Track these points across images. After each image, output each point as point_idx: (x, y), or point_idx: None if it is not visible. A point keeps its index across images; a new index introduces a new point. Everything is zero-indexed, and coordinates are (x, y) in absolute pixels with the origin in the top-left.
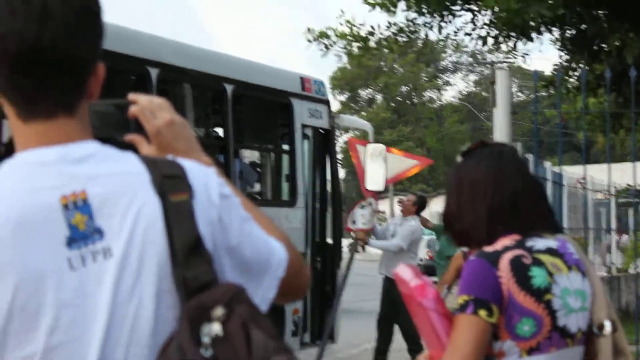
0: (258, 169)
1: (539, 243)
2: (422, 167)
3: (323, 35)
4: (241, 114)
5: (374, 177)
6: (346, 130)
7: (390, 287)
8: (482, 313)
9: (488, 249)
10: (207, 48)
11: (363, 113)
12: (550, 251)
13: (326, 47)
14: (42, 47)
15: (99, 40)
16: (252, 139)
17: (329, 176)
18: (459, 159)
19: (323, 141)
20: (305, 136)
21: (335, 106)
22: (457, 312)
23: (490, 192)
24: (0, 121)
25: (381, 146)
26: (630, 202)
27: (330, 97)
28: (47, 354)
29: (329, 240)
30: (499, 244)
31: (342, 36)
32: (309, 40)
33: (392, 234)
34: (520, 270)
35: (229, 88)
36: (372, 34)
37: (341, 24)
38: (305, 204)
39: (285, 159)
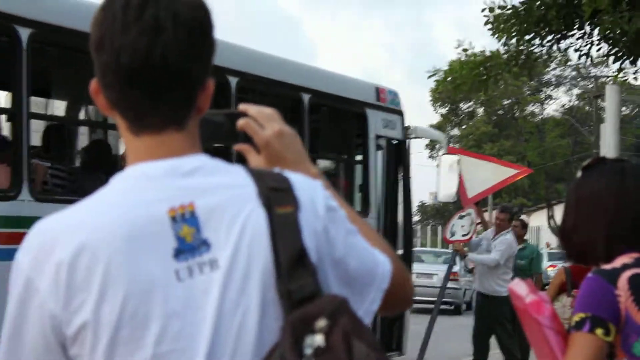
0: (332, 179)
1: None
2: (522, 176)
3: (448, 74)
4: (317, 124)
5: (447, 188)
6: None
7: (484, 302)
8: (599, 331)
9: (606, 266)
10: (288, 58)
11: (463, 127)
12: None
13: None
14: (153, 62)
15: (209, 56)
16: (326, 149)
17: (401, 187)
18: (578, 174)
19: (396, 152)
20: (379, 147)
21: (435, 119)
22: (573, 329)
23: (611, 209)
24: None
25: (455, 157)
26: None
27: (430, 110)
28: None
29: (400, 251)
30: (618, 262)
31: (460, 67)
32: (432, 74)
33: (487, 248)
34: (638, 289)
35: (306, 97)
36: (490, 58)
37: (458, 54)
38: (378, 215)
39: (359, 169)
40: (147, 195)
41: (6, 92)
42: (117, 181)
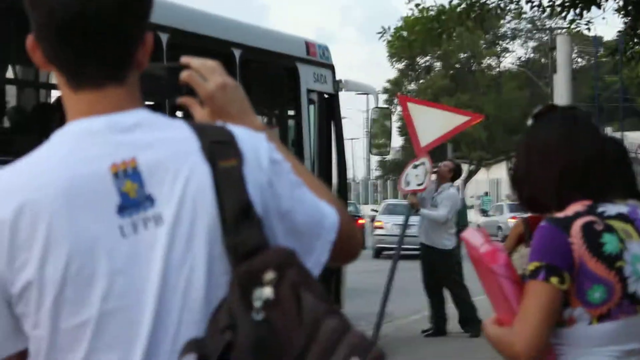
0: None
1: (611, 209)
2: (474, 122)
3: (399, 30)
4: (249, 79)
5: (380, 141)
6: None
7: (431, 256)
8: (554, 280)
9: (559, 215)
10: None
11: (421, 81)
12: (621, 217)
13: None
14: (88, 16)
15: (147, 10)
16: (259, 104)
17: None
18: (529, 122)
19: (328, 105)
20: (310, 101)
21: (392, 74)
22: (528, 278)
23: (562, 157)
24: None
25: (386, 110)
26: None
27: (388, 65)
28: (101, 320)
29: None
30: (570, 210)
31: (414, 23)
32: (382, 33)
33: (431, 202)
34: (592, 237)
35: (237, 53)
36: (443, 12)
37: (410, 9)
38: (312, 169)
39: (292, 123)
40: (87, 151)
41: None
42: (57, 137)
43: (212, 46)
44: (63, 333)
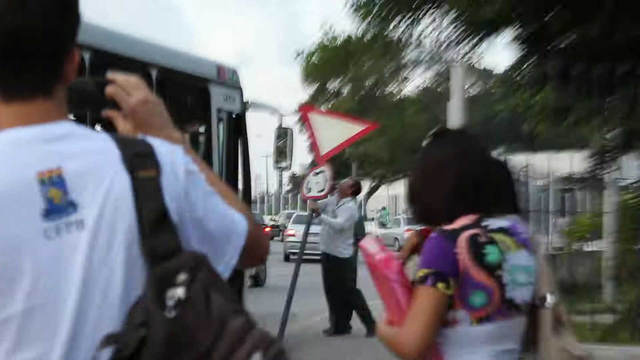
0: None
1: (494, 223)
2: (369, 131)
3: (311, 55)
4: (164, 98)
5: (282, 156)
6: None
7: (329, 263)
8: (440, 285)
9: (448, 227)
10: (138, 36)
11: (332, 102)
12: (502, 230)
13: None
14: (18, 34)
15: (74, 28)
16: (174, 121)
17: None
18: (424, 142)
19: (236, 124)
20: (220, 119)
21: (304, 97)
22: (417, 283)
23: (453, 174)
24: None
25: (288, 128)
26: (567, 188)
27: (300, 89)
28: (25, 316)
29: None
30: (458, 223)
31: (324, 49)
32: (297, 55)
33: (331, 214)
34: (475, 248)
35: (154, 73)
36: (349, 42)
37: (322, 37)
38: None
39: (202, 139)
40: (16, 159)
41: None
42: None
43: (130, 66)
44: None
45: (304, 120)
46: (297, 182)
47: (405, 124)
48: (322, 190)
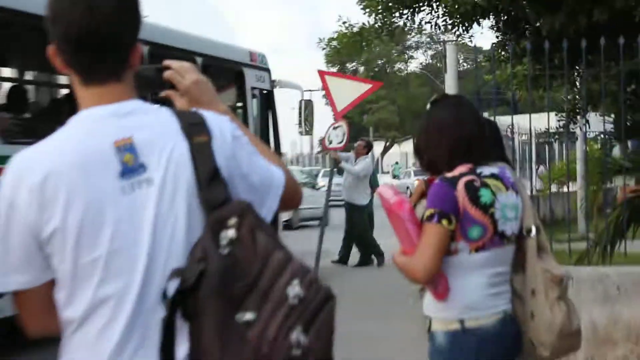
0: None
1: (486, 170)
2: (376, 89)
3: (330, 40)
4: (209, 80)
5: (305, 125)
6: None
7: (348, 209)
8: (444, 222)
9: (448, 175)
10: (195, 33)
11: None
12: (493, 176)
13: (328, 44)
14: (93, 32)
15: (137, 25)
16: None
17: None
18: (427, 107)
19: (266, 99)
20: (253, 96)
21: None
22: (425, 221)
23: (452, 132)
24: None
25: (309, 100)
26: (545, 141)
27: (323, 68)
28: (109, 257)
29: None
30: (457, 171)
31: (343, 37)
32: (319, 41)
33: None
34: (472, 191)
35: (199, 60)
36: (364, 29)
37: (340, 26)
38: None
39: (240, 113)
40: (96, 131)
41: None
42: (73, 122)
43: (180, 56)
44: (81, 266)
45: (322, 82)
46: (331, 165)
47: (411, 95)
48: (341, 142)
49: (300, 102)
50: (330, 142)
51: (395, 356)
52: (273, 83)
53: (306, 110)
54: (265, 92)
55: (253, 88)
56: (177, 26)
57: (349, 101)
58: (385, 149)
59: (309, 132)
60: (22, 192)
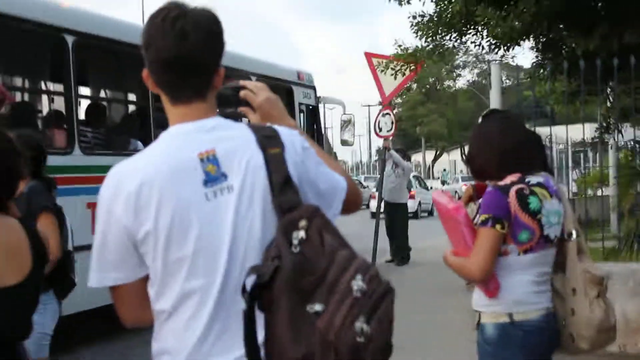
0: None
1: (533, 179)
2: (413, 76)
3: (388, 63)
4: None
5: (347, 137)
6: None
7: (390, 209)
8: (498, 227)
9: (500, 183)
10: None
11: (404, 96)
12: (540, 185)
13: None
14: (181, 57)
15: (220, 52)
16: None
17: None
18: (479, 120)
19: (312, 114)
20: (301, 111)
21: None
22: (480, 225)
23: (500, 143)
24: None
25: (349, 115)
26: (581, 150)
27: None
28: (194, 255)
29: None
30: (508, 180)
31: (399, 57)
32: (378, 64)
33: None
34: (522, 198)
35: (253, 78)
36: (417, 50)
37: (396, 48)
38: None
39: None
40: (183, 145)
41: (61, 83)
42: (163, 137)
43: (239, 75)
44: (170, 264)
45: (370, 65)
46: (380, 153)
47: (458, 109)
48: (390, 130)
49: (343, 115)
50: (380, 130)
51: (445, 345)
52: (318, 99)
53: (348, 125)
54: (311, 107)
55: (300, 104)
56: (240, 47)
57: (393, 87)
58: (436, 158)
59: (350, 143)
60: (119, 199)
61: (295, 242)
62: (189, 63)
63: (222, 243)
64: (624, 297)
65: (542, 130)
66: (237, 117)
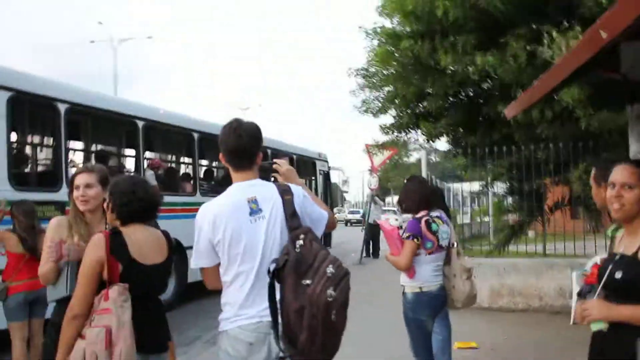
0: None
1: (434, 213)
2: (393, 155)
3: (378, 147)
4: (299, 167)
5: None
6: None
7: (370, 227)
8: (415, 240)
9: (417, 216)
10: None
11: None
12: (438, 217)
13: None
14: (240, 149)
15: (259, 144)
16: (302, 177)
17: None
18: (405, 181)
19: (326, 176)
20: (320, 173)
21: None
22: (405, 239)
23: (417, 193)
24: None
25: (347, 177)
26: (475, 195)
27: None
28: (244, 252)
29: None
30: (420, 214)
31: (381, 145)
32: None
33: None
34: (428, 224)
35: (295, 157)
36: (387, 143)
37: (375, 142)
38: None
39: (313, 183)
40: (238, 193)
41: (190, 157)
42: (229, 189)
43: (286, 154)
44: (231, 257)
45: (366, 150)
46: (370, 197)
47: (411, 173)
48: (375, 185)
49: (342, 180)
50: (370, 184)
51: (391, 300)
52: (329, 168)
53: (345, 183)
54: (325, 172)
55: (320, 170)
56: (289, 139)
57: (380, 161)
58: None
59: (345, 191)
60: (205, 222)
61: (297, 246)
62: (242, 151)
63: (259, 246)
64: (492, 276)
65: (456, 185)
66: (269, 179)
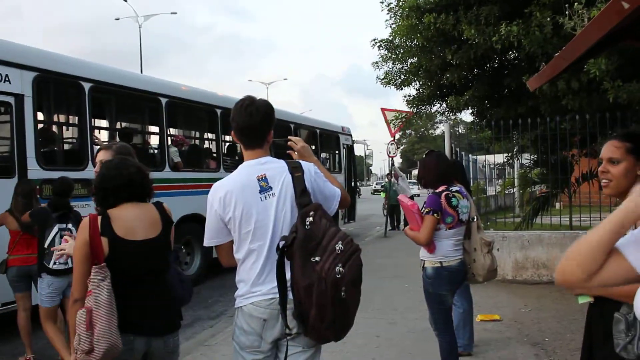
0: (328, 161)
1: (454, 188)
2: (409, 117)
3: (395, 115)
4: (322, 142)
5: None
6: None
7: (391, 207)
8: (435, 215)
9: (437, 190)
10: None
11: (407, 139)
12: (457, 191)
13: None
14: (251, 127)
15: (271, 124)
16: (326, 150)
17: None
18: (423, 156)
19: (350, 150)
20: (344, 147)
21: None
22: (425, 214)
23: (436, 167)
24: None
25: (371, 150)
26: (501, 167)
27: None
28: (255, 230)
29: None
30: (440, 189)
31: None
32: (388, 115)
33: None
34: (448, 199)
35: (318, 132)
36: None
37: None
38: (344, 174)
39: (337, 157)
40: (249, 171)
41: (214, 133)
42: (240, 167)
43: (309, 129)
44: (242, 234)
45: (383, 114)
46: (392, 170)
47: (437, 146)
48: (395, 153)
49: (366, 150)
50: (389, 152)
51: (412, 275)
52: (353, 142)
53: (370, 156)
54: (349, 145)
55: (343, 144)
56: (316, 114)
57: (395, 127)
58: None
59: (370, 164)
60: (216, 199)
61: (307, 223)
62: (254, 130)
63: (269, 223)
64: (517, 249)
65: (481, 157)
66: (284, 156)
